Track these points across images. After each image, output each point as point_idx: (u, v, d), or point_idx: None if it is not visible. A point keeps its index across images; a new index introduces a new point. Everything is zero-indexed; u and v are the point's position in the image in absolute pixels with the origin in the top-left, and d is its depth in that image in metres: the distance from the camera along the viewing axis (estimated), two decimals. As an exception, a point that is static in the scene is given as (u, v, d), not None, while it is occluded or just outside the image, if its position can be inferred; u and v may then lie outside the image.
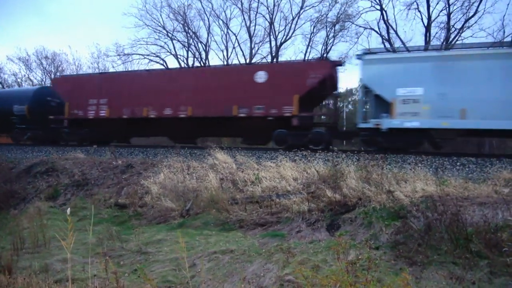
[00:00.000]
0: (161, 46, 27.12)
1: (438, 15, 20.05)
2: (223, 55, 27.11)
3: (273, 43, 25.03)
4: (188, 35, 26.58)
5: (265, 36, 25.76)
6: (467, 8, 18.96)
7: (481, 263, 4.44)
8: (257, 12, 25.11)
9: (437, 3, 19.83)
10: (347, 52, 24.15)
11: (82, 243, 6.66)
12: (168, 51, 27.23)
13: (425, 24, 20.12)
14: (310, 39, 23.91)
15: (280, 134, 12.74)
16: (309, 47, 24.12)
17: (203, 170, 9.56)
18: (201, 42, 27.03)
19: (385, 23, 20.82)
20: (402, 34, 24.28)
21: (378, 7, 20.61)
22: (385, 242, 5.44)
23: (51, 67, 32.65)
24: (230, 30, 26.67)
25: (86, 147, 14.30)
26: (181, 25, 26.43)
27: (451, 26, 19.48)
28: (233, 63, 24.92)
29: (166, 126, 14.88)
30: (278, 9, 24.60)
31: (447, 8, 19.34)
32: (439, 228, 5.14)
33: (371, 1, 20.72)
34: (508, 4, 18.51)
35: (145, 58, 27.25)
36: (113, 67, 29.87)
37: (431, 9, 19.89)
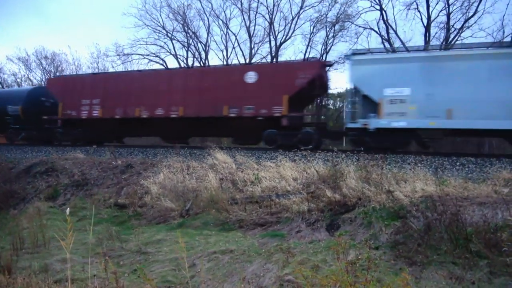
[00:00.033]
0: (160, 46, 27.21)
1: (438, 15, 20.13)
2: (223, 55, 27.18)
3: (272, 43, 25.11)
4: (188, 35, 26.62)
5: (265, 36, 25.83)
6: (467, 8, 19.03)
7: (481, 263, 4.44)
8: (256, 12, 25.17)
9: (437, 3, 19.89)
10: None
11: (82, 243, 6.66)
12: (167, 51, 27.32)
13: (425, 24, 20.14)
14: (309, 39, 23.99)
15: (270, 134, 12.89)
16: (309, 47, 24.22)
17: (202, 170, 9.56)
18: (200, 42, 27.10)
19: (384, 23, 20.86)
20: (401, 34, 24.39)
21: (378, 7, 20.66)
22: (384, 242, 5.44)
23: (51, 67, 32.63)
24: (229, 30, 26.74)
25: (85, 147, 14.30)
26: (180, 25, 26.50)
27: (451, 26, 19.50)
28: (233, 63, 24.96)
29: (158, 126, 14.99)
30: (277, 9, 24.70)
31: (447, 8, 19.39)
32: (439, 228, 5.14)
33: (371, 1, 20.77)
34: (507, 4, 18.58)
35: (144, 58, 27.34)
36: (112, 67, 29.90)
37: (430, 9, 19.95)
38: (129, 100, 14.75)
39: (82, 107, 15.58)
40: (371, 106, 11.39)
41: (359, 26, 21.83)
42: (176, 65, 26.78)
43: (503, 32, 18.66)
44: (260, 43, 26.43)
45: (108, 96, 15.21)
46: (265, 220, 7.06)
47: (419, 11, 20.24)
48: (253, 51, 25.85)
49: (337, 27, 22.81)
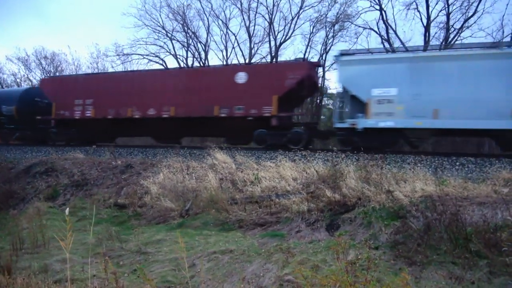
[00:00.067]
0: (160, 46, 27.19)
1: (438, 15, 20.13)
2: (223, 55, 27.17)
3: (272, 43, 25.08)
4: (188, 35, 26.62)
5: (265, 36, 25.82)
6: (466, 8, 19.04)
7: (481, 263, 4.44)
8: (256, 12, 25.14)
9: (436, 3, 19.88)
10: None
11: (82, 243, 6.66)
12: (167, 51, 27.30)
13: (425, 24, 20.13)
14: (309, 39, 23.96)
15: (260, 134, 12.99)
16: (309, 47, 24.20)
17: (202, 170, 9.56)
18: (200, 42, 27.08)
19: (384, 23, 20.85)
20: (401, 34, 24.41)
21: (378, 7, 20.65)
22: (384, 242, 5.44)
23: (50, 67, 32.59)
24: (229, 30, 26.73)
25: (85, 147, 14.29)
26: (180, 25, 26.49)
27: (451, 26, 19.51)
28: (233, 63, 24.95)
29: (150, 126, 15.05)
30: (277, 9, 24.68)
31: (447, 8, 19.38)
32: (439, 228, 5.14)
33: (371, 1, 20.76)
34: (507, 4, 18.67)
35: (144, 58, 27.32)
36: (112, 67, 29.90)
37: (430, 9, 19.94)
38: (121, 100, 14.80)
39: (75, 107, 15.65)
40: (359, 106, 11.47)
41: (359, 26, 21.86)
42: (176, 65, 26.81)
43: (503, 32, 18.72)
44: (260, 43, 26.48)
45: (100, 97, 15.27)
46: (265, 220, 7.06)
47: (418, 11, 20.28)
48: (252, 51, 25.88)
49: (336, 27, 22.81)
